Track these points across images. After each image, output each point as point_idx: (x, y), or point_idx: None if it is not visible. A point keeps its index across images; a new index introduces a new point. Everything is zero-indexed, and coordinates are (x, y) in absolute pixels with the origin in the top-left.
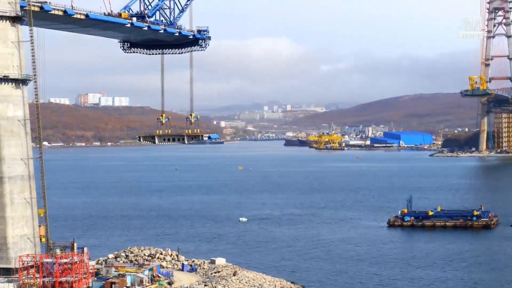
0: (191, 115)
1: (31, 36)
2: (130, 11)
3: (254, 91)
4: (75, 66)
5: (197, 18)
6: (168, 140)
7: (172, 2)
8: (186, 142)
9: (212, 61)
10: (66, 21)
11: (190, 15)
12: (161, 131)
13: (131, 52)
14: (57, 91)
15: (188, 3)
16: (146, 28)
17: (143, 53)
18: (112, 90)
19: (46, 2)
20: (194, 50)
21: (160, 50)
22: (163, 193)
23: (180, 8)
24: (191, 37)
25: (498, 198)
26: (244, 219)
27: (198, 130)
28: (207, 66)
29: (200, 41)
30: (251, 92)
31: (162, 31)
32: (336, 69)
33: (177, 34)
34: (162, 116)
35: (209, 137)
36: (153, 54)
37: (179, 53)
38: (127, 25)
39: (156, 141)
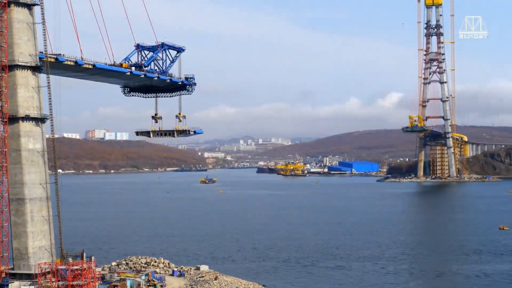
0: (179, 114)
1: (48, 82)
2: (130, 62)
3: (232, 128)
4: (85, 106)
5: (185, 67)
6: (161, 134)
7: (164, 54)
8: (176, 136)
9: (196, 103)
10: (77, 70)
11: (179, 65)
12: (155, 127)
13: (130, 96)
14: (69, 127)
15: (177, 55)
16: (142, 76)
17: (141, 97)
18: (115, 127)
19: (60, 54)
20: (183, 94)
21: (155, 94)
22: (159, 212)
23: (171, 59)
24: (180, 83)
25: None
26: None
27: (186, 126)
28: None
29: (188, 86)
30: (230, 129)
31: (156, 78)
32: (300, 111)
33: (168, 80)
34: (156, 115)
35: (195, 132)
36: (148, 97)
37: (170, 96)
38: (127, 73)
39: (151, 135)
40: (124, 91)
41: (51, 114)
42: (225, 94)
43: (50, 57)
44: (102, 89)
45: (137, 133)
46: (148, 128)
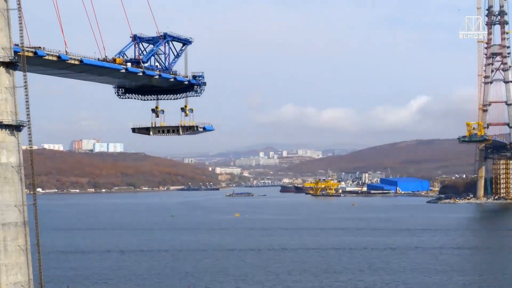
0: (185, 106)
1: (25, 82)
2: (125, 57)
3: (250, 136)
4: (70, 111)
5: (193, 64)
6: (163, 131)
7: (167, 47)
8: (181, 133)
9: (205, 105)
10: (61, 66)
11: (185, 60)
12: (155, 123)
13: (125, 98)
14: (51, 136)
15: (183, 48)
16: (141, 74)
17: (138, 99)
18: (107, 136)
19: (40, 47)
20: (189, 96)
21: (155, 96)
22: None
23: (175, 53)
24: (186, 82)
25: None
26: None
27: (193, 121)
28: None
29: (195, 86)
30: (247, 138)
31: (157, 76)
32: (332, 116)
33: (172, 79)
34: (156, 108)
35: (204, 128)
36: (148, 100)
37: (174, 99)
38: (121, 71)
39: (151, 133)
40: (118, 93)
41: (28, 121)
42: (241, 95)
43: (28, 51)
44: (92, 90)
45: (134, 130)
46: (148, 124)
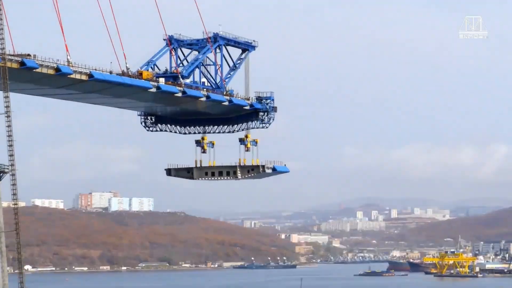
0: (246, 136)
1: (7, 107)
2: (156, 69)
3: (342, 187)
4: (73, 149)
5: (256, 79)
6: (213, 174)
7: (219, 55)
8: (240, 177)
9: (278, 139)
10: (60, 83)
11: (245, 74)
12: (201, 161)
13: (156, 130)
14: (47, 189)
15: (243, 56)
16: (179, 95)
17: (175, 132)
18: (128, 188)
19: (29, 55)
20: (252, 128)
21: (202, 126)
22: None
23: (231, 64)
24: (247, 107)
25: None
26: None
27: (258, 159)
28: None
29: (261, 113)
30: (338, 189)
31: (203, 98)
32: (463, 158)
33: (226, 103)
34: (203, 139)
35: (274, 170)
36: (190, 133)
37: (228, 132)
38: (151, 90)
39: (195, 176)
40: (145, 123)
41: (12, 165)
42: (327, 125)
43: (11, 60)
44: (107, 118)
45: (169, 172)
46: (190, 163)
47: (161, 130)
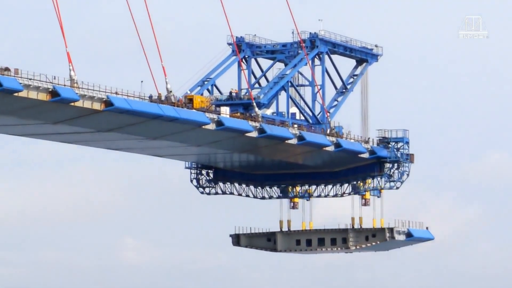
0: (361, 184)
1: None
2: (216, 93)
3: None
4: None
5: (378, 111)
6: (309, 244)
7: (320, 69)
8: (353, 247)
9: (415, 185)
10: (61, 117)
11: (362, 100)
12: (290, 222)
13: (216, 193)
14: None
15: (357, 72)
16: (255, 134)
17: (246, 195)
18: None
19: (9, 69)
20: (373, 189)
21: (290, 181)
22: None
23: (340, 85)
24: (365, 155)
25: None
26: None
27: (383, 218)
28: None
29: (388, 165)
30: None
31: (294, 140)
32: None
33: (331, 147)
34: (293, 187)
35: (409, 234)
36: (271, 197)
37: (334, 196)
38: (207, 126)
39: (279, 245)
40: (198, 180)
41: None
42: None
43: None
44: (132, 170)
45: (237, 240)
46: (272, 225)
47: (223, 193)
